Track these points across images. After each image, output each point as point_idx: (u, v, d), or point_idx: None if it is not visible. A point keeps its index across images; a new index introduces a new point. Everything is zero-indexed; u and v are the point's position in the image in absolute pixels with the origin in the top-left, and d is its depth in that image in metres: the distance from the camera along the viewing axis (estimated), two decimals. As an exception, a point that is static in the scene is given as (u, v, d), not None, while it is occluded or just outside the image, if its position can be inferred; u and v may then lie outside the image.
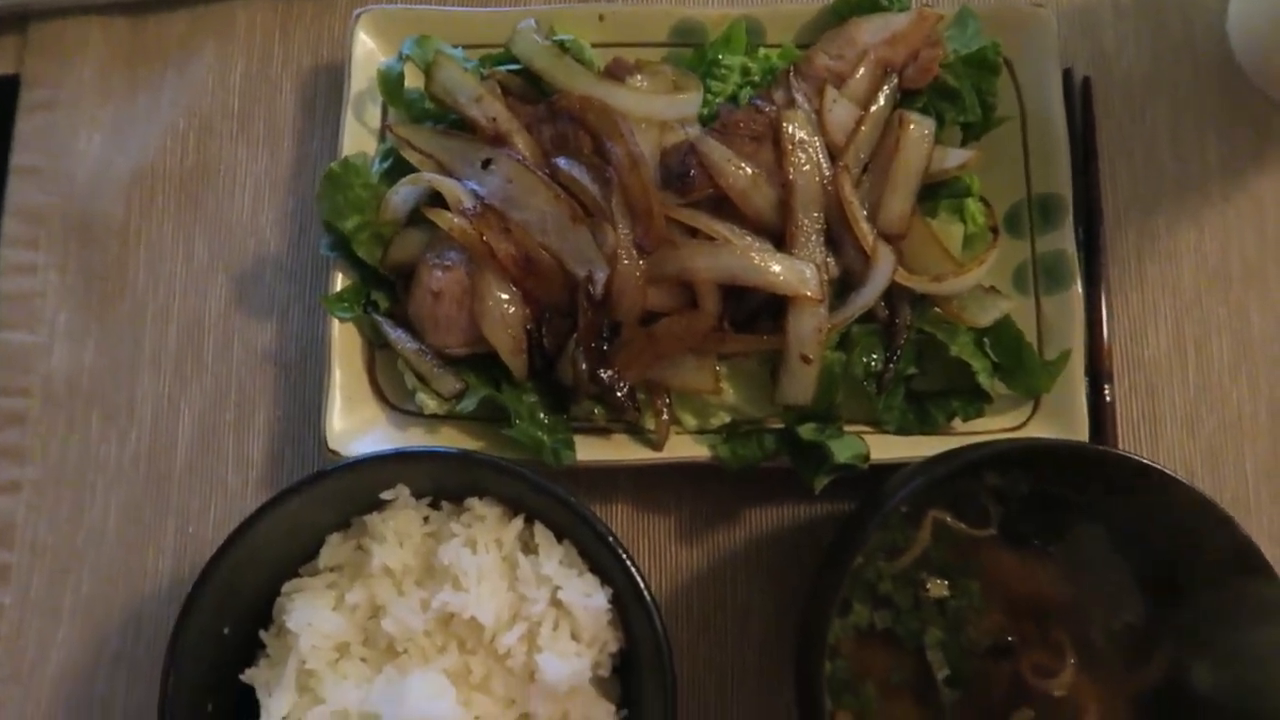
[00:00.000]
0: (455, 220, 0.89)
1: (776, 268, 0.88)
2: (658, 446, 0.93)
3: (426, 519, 0.84)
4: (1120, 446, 1.01)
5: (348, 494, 0.82)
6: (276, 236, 1.07)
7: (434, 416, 0.94)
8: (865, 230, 0.91)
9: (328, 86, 1.10)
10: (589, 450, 0.93)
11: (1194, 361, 1.05)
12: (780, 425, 0.94)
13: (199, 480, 1.02)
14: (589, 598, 0.79)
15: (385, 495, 0.82)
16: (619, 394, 0.90)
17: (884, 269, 0.89)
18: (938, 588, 0.88)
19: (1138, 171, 1.08)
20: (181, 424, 1.03)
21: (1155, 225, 1.07)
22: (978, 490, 0.90)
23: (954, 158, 0.93)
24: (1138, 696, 0.87)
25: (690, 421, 0.95)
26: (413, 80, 1.00)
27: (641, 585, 0.78)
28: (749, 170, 0.90)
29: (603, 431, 0.95)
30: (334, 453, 0.92)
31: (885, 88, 0.94)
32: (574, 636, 0.79)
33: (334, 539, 0.84)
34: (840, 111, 0.93)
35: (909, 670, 0.87)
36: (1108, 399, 1.01)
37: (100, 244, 1.06)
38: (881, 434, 0.95)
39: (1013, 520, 0.89)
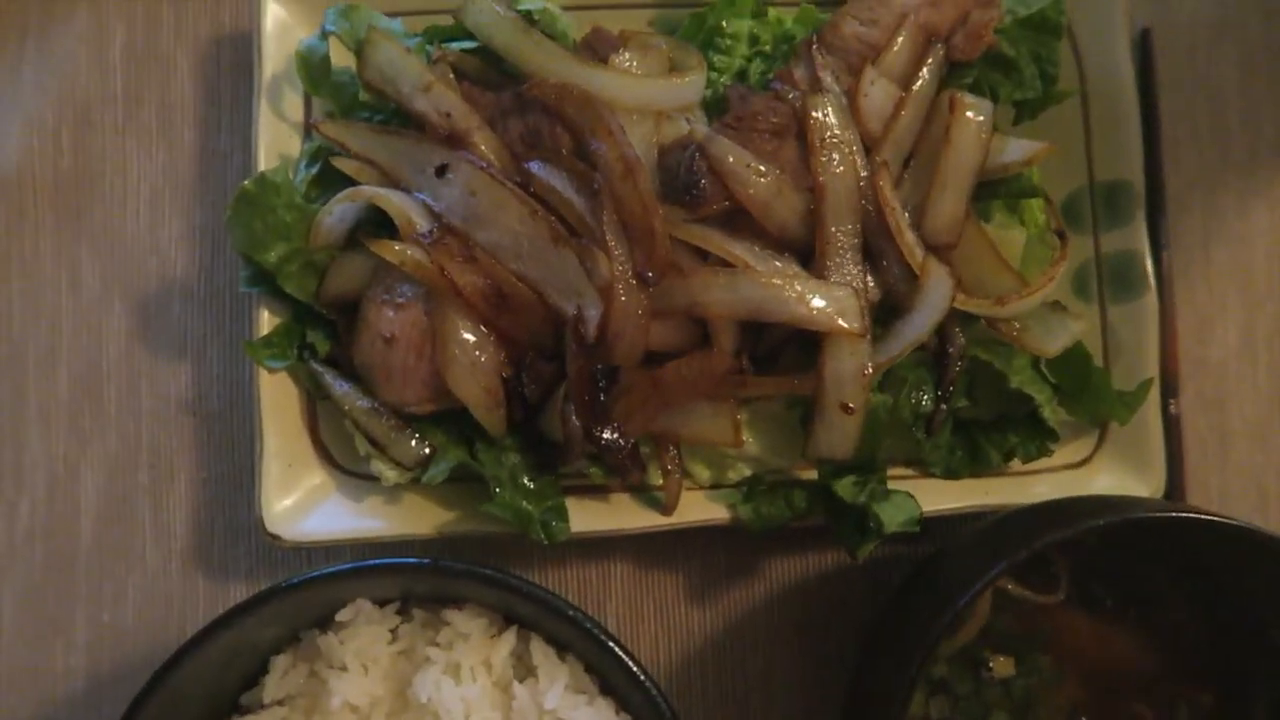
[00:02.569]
0: (408, 252, 0.71)
1: (812, 299, 0.71)
2: (667, 510, 0.78)
3: (394, 632, 0.68)
4: (1187, 465, 0.88)
5: (296, 611, 0.66)
6: (183, 256, 0.88)
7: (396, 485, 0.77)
8: (911, 242, 0.75)
9: (234, 61, 0.89)
10: (584, 517, 0.77)
11: (1266, 363, 0.92)
12: (808, 474, 0.79)
13: (111, 558, 0.85)
14: (603, 732, 0.64)
15: (342, 616, 0.66)
16: (620, 453, 0.74)
17: (939, 293, 0.73)
18: (1002, 666, 0.76)
19: (1202, 140, 0.93)
20: (84, 491, 0.85)
21: (1222, 204, 0.93)
22: (1044, 549, 0.76)
23: (1016, 150, 0.76)
24: (1229, 776, 0.76)
25: (703, 474, 0.80)
26: (341, 59, 0.80)
27: (667, 712, 0.64)
28: (770, 175, 0.73)
29: (599, 490, 0.80)
30: (274, 537, 0.75)
31: (929, 60, 0.77)
32: (586, 775, 0.65)
33: (280, 663, 0.68)
34: (877, 94, 0.75)
35: (971, 763, 0.75)
36: (1174, 413, 0.87)
37: (-39, 273, 0.86)
38: (926, 478, 0.81)
39: (1084, 580, 0.77)
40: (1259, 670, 0.76)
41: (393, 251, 0.71)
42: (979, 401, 0.81)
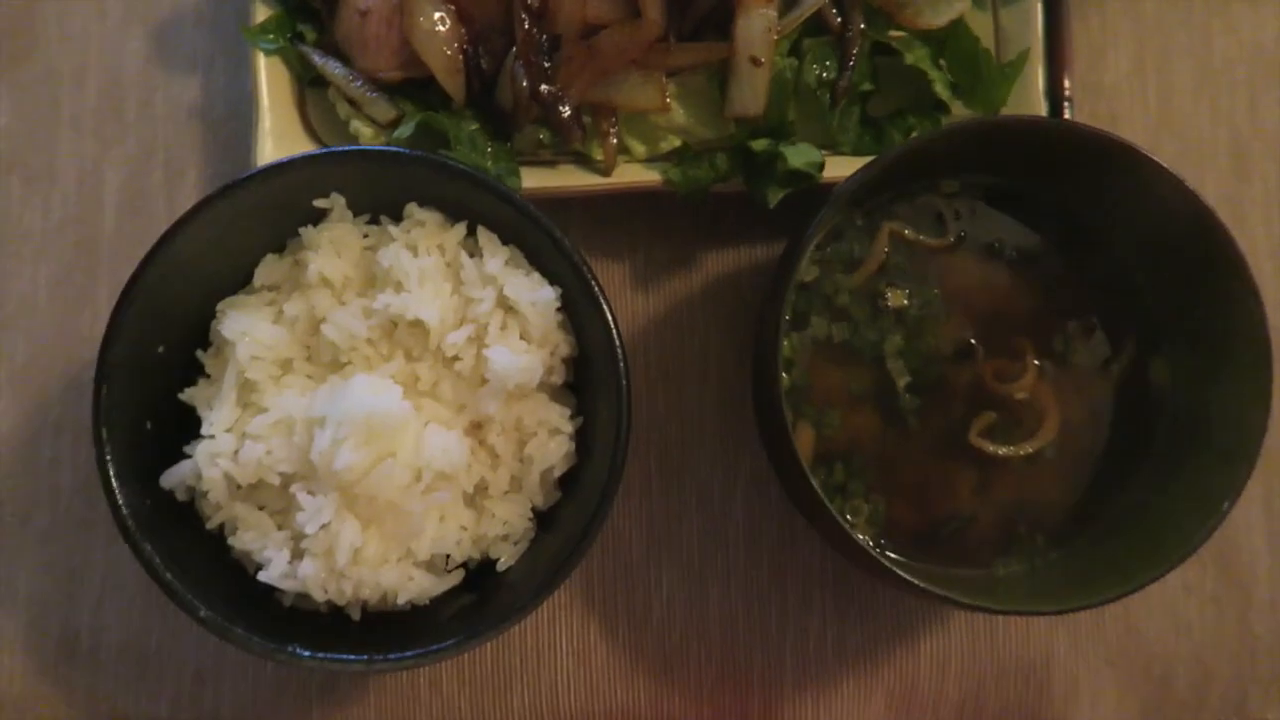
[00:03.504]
0: (378, -76, 0.84)
1: (722, -38, 0.83)
2: (606, 172, 0.90)
3: (365, 235, 0.80)
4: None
5: (279, 205, 0.78)
6: (194, -13, 1.01)
7: (371, 149, 0.89)
8: (815, -72, 0.86)
9: None
10: (535, 179, 0.89)
11: (1154, 86, 1.02)
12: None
13: (130, 244, 0.97)
14: (536, 292, 0.76)
15: (319, 203, 0.78)
16: (562, 112, 0.86)
17: (835, -37, 0.85)
18: (897, 297, 0.86)
19: (1099, -107, 1.04)
20: (107, 187, 0.98)
21: (1116, -54, 1.04)
22: (934, 201, 0.87)
23: None
24: (1098, 396, 0.87)
25: (639, 149, 0.91)
26: None
27: (591, 280, 0.76)
28: None
29: (548, 164, 0.91)
30: (267, 189, 0.87)
31: None
32: (523, 337, 0.77)
33: (269, 258, 0.80)
34: None
35: (869, 380, 0.86)
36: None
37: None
38: (838, 155, 0.92)
39: (971, 228, 0.87)
40: (1126, 307, 0.87)
41: (365, -78, 0.84)
42: (883, 93, 0.93)
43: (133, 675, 0.93)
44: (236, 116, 0.98)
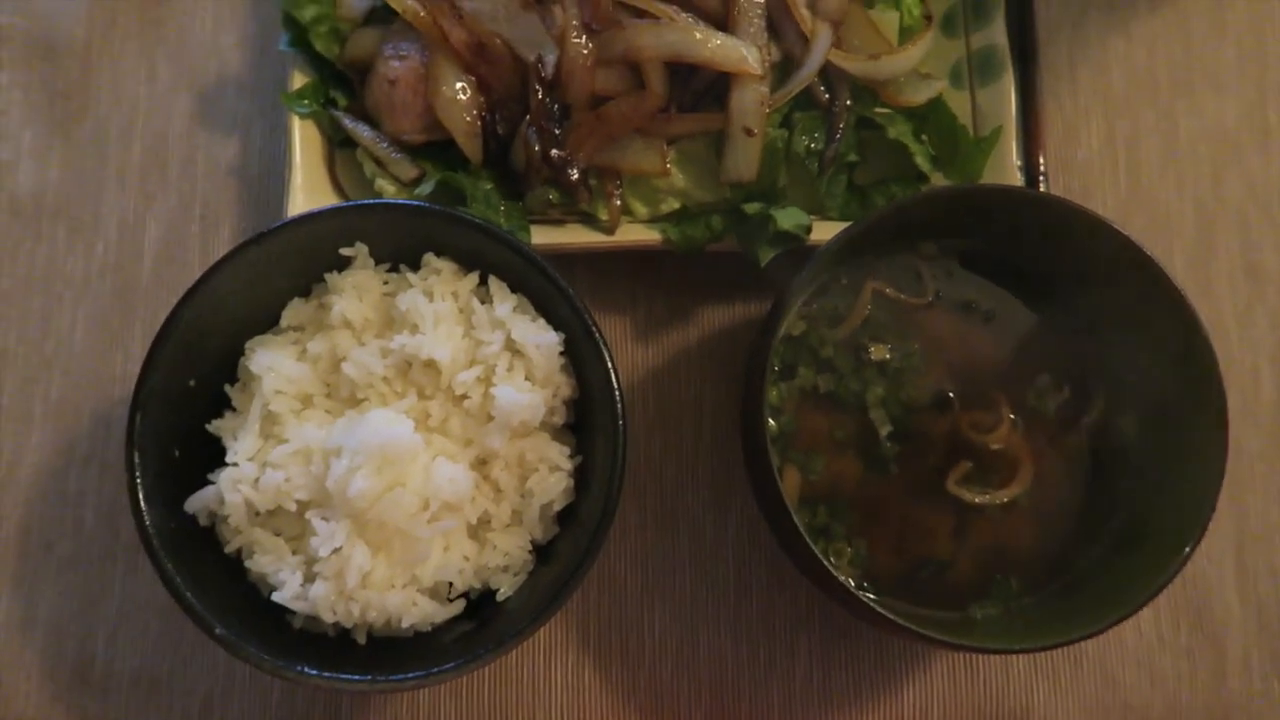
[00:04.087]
0: (409, 2, 0.92)
1: (719, 43, 0.91)
2: (610, 231, 0.96)
3: (385, 282, 0.87)
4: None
5: (307, 253, 0.84)
6: (237, 58, 1.09)
7: (393, 206, 0.97)
8: (805, 14, 0.94)
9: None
10: (544, 236, 0.96)
11: (1124, 162, 1.10)
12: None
13: (165, 291, 1.04)
14: (541, 337, 0.82)
15: (345, 251, 0.85)
16: (571, 174, 0.93)
17: (822, 44, 0.93)
18: (879, 350, 0.92)
19: (1070, -13, 1.13)
20: (147, 237, 1.06)
21: (1087, 35, 1.12)
22: (913, 261, 0.94)
23: (890, -55, 0.96)
24: (1069, 449, 0.91)
25: (641, 210, 0.98)
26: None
27: (592, 326, 0.82)
28: (691, -46, 0.94)
29: (557, 222, 0.98)
30: (295, 240, 0.94)
31: None
32: (528, 378, 0.83)
33: (296, 301, 0.87)
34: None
35: (853, 428, 0.91)
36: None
37: (63, 64, 1.08)
38: (825, 220, 0.99)
39: (947, 287, 0.93)
40: (1094, 366, 0.92)
41: (397, 1, 0.92)
42: (868, 162, 1.00)
43: (144, 700, 0.97)
44: (271, 175, 1.06)
